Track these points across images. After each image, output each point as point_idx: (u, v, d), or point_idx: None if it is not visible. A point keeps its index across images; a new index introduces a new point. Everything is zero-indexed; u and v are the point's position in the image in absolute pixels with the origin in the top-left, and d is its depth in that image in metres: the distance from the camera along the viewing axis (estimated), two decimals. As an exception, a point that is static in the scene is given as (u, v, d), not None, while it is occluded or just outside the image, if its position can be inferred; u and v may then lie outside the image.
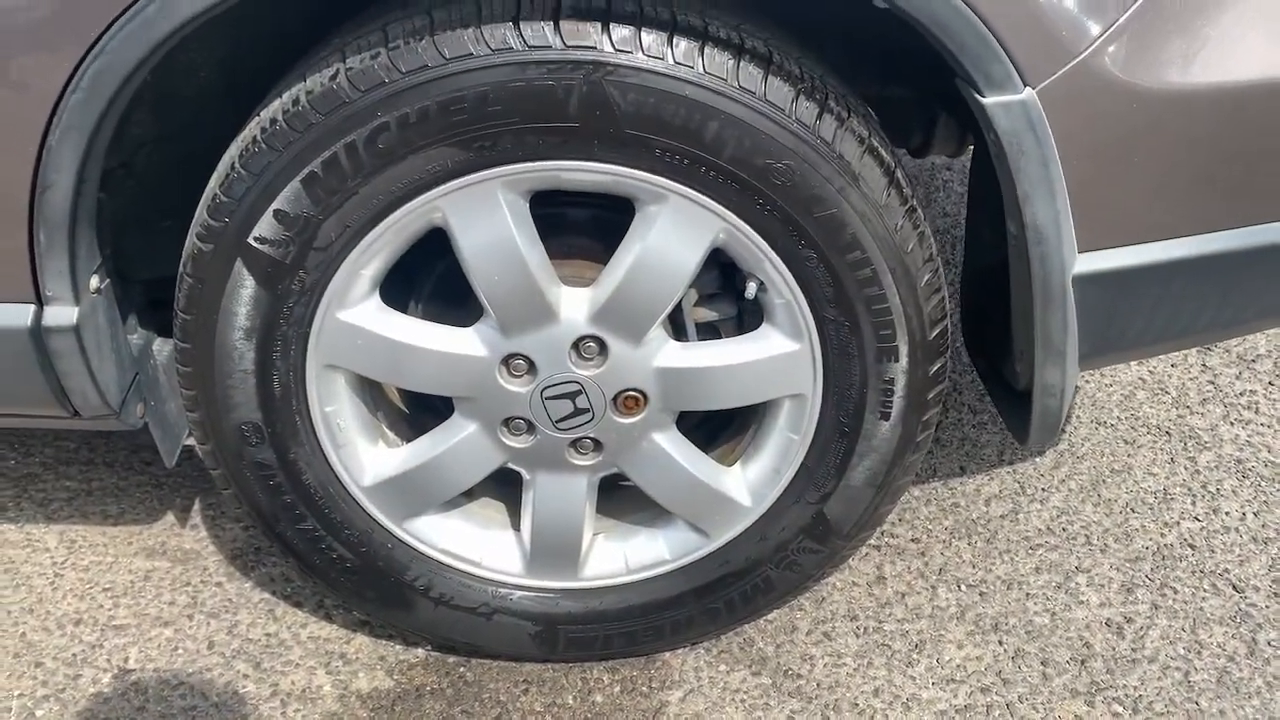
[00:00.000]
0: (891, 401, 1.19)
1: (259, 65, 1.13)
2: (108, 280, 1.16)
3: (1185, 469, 1.73)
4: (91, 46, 0.94)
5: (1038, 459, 1.75)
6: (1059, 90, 0.98)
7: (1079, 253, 1.09)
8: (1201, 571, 1.55)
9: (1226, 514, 1.65)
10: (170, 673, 1.40)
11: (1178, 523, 1.63)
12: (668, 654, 1.42)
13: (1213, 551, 1.58)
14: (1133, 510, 1.65)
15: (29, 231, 1.04)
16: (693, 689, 1.38)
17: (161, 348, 1.35)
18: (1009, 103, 0.98)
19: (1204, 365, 1.95)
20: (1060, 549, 1.58)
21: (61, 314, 1.10)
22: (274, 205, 1.04)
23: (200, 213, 1.08)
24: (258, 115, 1.04)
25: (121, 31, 0.93)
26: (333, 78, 1.00)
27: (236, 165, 1.04)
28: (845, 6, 1.01)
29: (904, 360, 1.16)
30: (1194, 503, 1.66)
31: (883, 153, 1.07)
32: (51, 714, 1.35)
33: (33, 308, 1.09)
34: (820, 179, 1.04)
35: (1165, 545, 1.59)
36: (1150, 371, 1.93)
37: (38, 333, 1.10)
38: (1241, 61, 1.02)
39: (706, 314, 1.23)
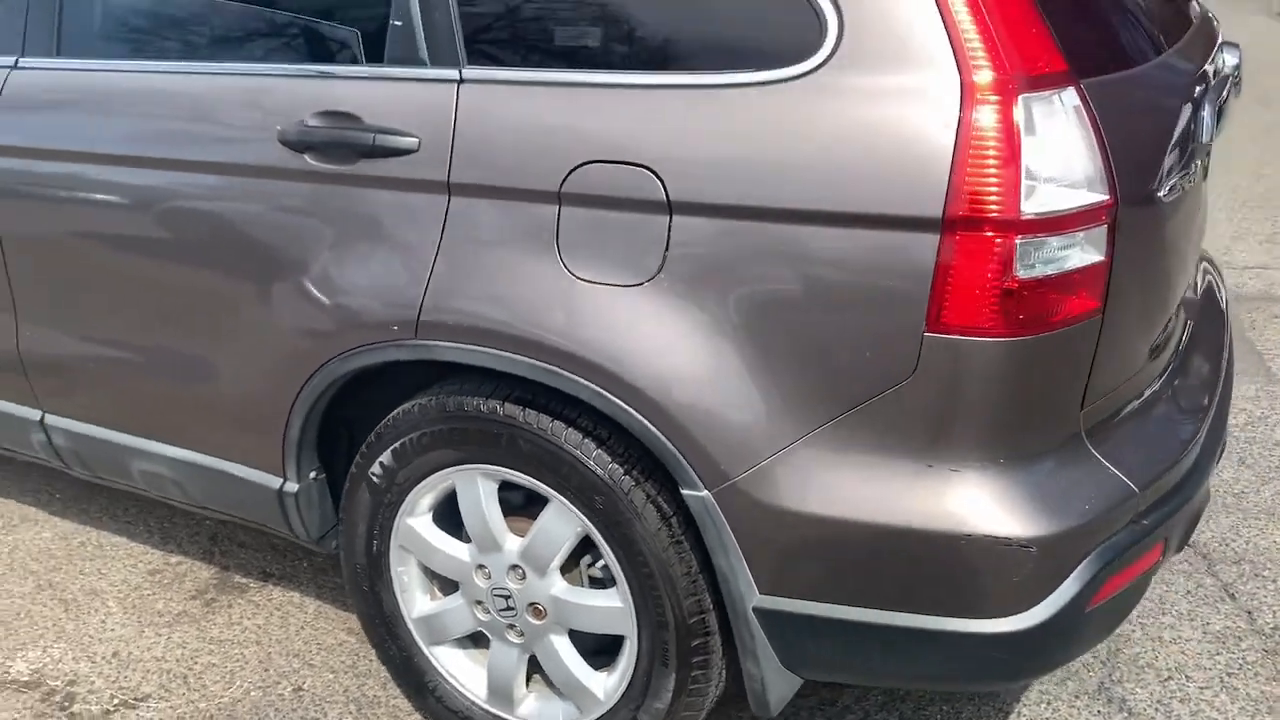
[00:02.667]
0: (669, 658, 1.92)
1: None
2: (323, 473, 2.28)
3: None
4: (308, 379, 2.08)
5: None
6: (726, 494, 1.74)
7: (760, 593, 1.78)
8: None
9: None
10: (321, 694, 2.45)
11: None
12: (566, 788, 2.18)
13: None
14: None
15: (281, 448, 2.19)
16: (562, 812, 2.13)
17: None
18: (693, 495, 1.76)
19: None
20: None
21: (291, 486, 2.24)
22: (379, 459, 2.09)
23: (357, 456, 2.16)
24: (383, 420, 2.11)
25: (321, 372, 2.05)
26: (407, 411, 2.04)
27: (370, 439, 2.11)
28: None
29: (674, 633, 1.90)
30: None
31: (662, 504, 1.87)
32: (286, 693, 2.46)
33: (280, 479, 2.24)
34: (620, 511, 1.87)
35: None
36: None
37: (280, 492, 2.25)
38: (837, 502, 1.69)
39: (596, 570, 2.06)
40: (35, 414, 2.58)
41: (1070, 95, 1.58)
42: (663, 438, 1.75)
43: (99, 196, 2.27)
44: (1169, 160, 1.80)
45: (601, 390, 1.77)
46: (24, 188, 2.36)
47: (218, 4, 2.22)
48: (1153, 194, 1.74)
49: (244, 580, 2.88)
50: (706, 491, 1.75)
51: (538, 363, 1.82)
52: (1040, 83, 1.55)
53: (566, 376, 1.80)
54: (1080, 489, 1.69)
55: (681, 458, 1.75)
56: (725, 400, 1.72)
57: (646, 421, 1.75)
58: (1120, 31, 1.94)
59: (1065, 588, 1.68)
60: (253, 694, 2.47)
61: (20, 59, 2.37)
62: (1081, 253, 1.60)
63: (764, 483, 1.72)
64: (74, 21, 2.32)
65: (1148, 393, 1.92)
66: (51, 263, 2.39)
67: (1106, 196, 1.59)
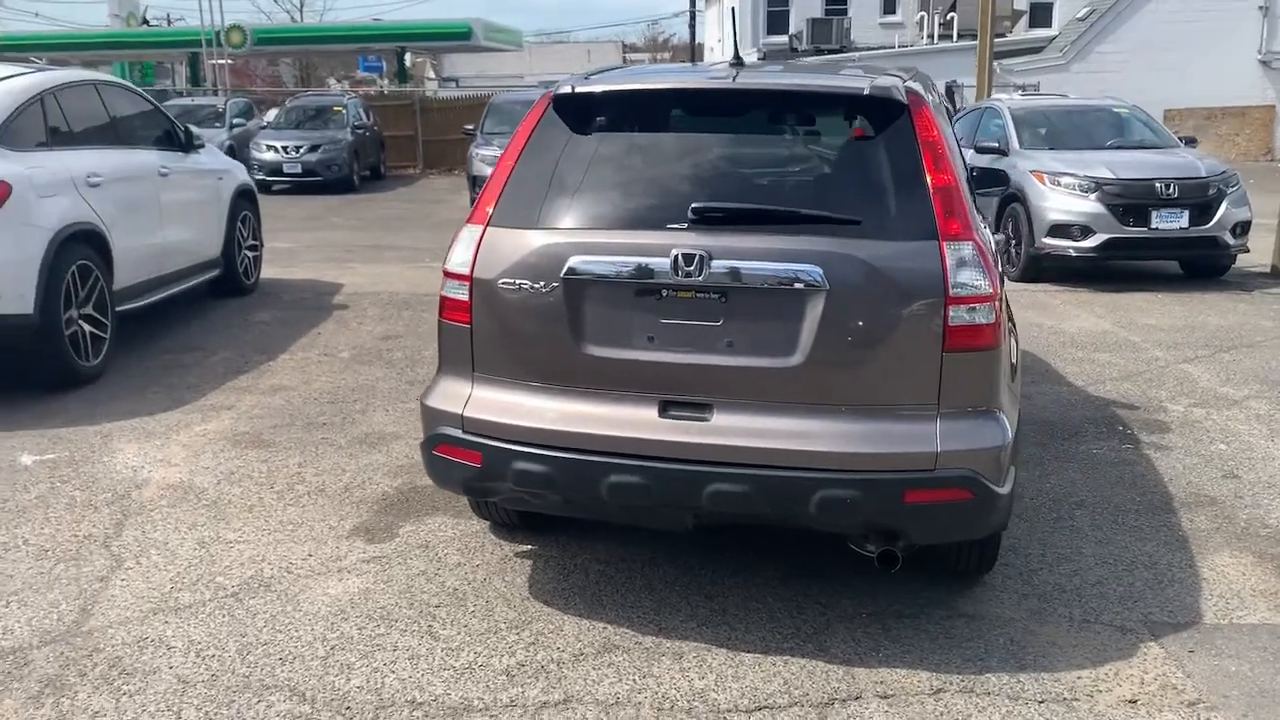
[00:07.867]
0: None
1: None
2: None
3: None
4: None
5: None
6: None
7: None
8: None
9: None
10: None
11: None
12: None
13: None
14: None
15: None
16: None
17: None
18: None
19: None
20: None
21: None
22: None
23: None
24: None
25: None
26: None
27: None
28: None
29: None
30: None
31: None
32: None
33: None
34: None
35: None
36: None
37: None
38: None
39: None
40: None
41: (474, 231, 3.59)
42: None
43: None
44: (517, 270, 3.47)
45: None
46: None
47: None
48: (494, 283, 3.49)
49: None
50: None
51: None
52: (472, 223, 3.63)
53: None
54: (447, 395, 3.59)
55: None
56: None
57: None
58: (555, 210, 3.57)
59: (430, 432, 3.60)
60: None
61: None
62: (458, 294, 3.59)
63: None
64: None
65: (536, 387, 3.50)
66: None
67: (468, 273, 3.54)
